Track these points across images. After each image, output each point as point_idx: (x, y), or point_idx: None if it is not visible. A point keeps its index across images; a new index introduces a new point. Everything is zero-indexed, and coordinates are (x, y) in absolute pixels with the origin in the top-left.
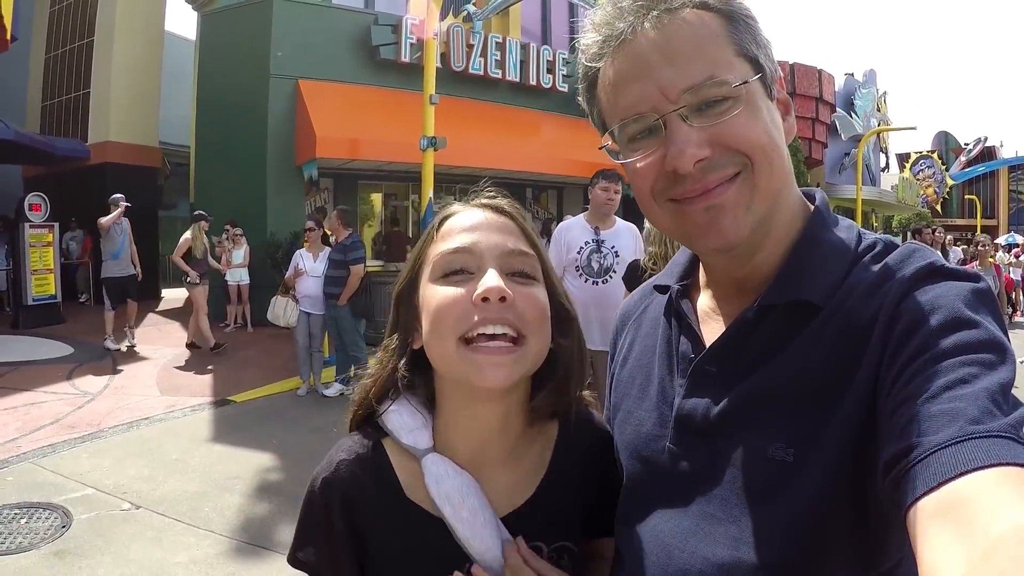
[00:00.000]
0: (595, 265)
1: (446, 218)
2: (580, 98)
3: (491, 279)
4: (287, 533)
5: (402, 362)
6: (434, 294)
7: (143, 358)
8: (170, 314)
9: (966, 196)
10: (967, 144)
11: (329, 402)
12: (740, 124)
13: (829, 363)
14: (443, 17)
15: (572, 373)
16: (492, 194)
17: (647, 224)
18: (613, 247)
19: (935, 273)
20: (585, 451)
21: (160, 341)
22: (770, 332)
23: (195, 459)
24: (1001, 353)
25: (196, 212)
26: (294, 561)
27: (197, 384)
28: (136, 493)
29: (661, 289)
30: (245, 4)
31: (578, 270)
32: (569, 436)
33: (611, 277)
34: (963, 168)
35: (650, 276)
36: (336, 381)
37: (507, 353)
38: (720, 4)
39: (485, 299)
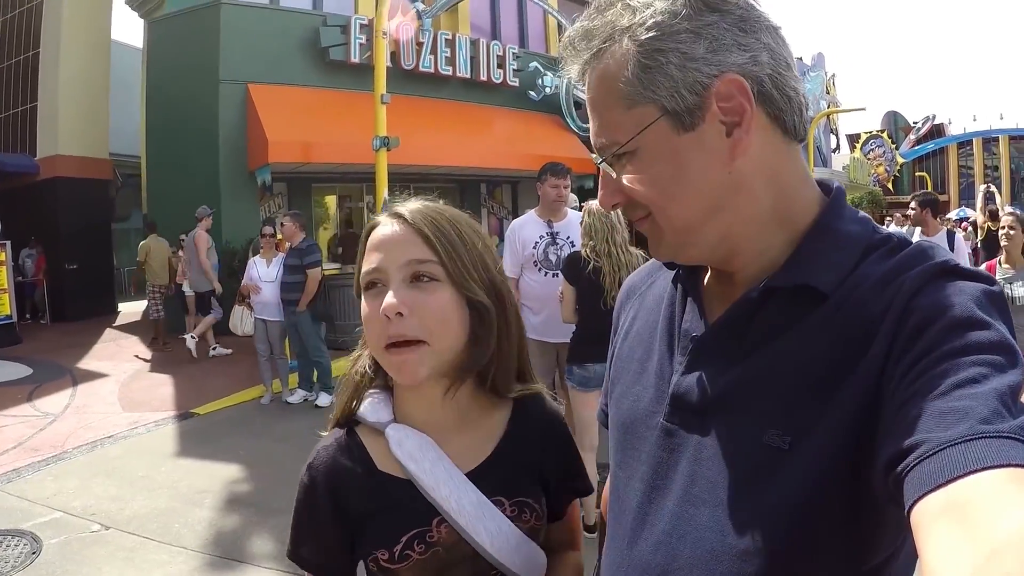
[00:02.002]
0: (552, 258)
1: (371, 231)
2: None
3: (388, 298)
4: (260, 544)
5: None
6: (363, 307)
7: (103, 375)
8: (127, 328)
9: (917, 173)
10: (916, 122)
11: (293, 409)
12: (631, 179)
13: (833, 353)
14: (392, 16)
15: (494, 357)
16: (404, 199)
17: (584, 219)
18: (568, 238)
19: (948, 272)
20: (540, 423)
21: (119, 356)
22: (773, 315)
23: (162, 475)
24: (1011, 356)
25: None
26: (293, 556)
27: (159, 398)
28: (105, 514)
29: (670, 265)
30: (192, 9)
31: (536, 264)
32: (525, 409)
33: None
34: (913, 146)
35: (593, 268)
36: (299, 387)
37: (412, 354)
38: (622, 34)
39: (386, 316)
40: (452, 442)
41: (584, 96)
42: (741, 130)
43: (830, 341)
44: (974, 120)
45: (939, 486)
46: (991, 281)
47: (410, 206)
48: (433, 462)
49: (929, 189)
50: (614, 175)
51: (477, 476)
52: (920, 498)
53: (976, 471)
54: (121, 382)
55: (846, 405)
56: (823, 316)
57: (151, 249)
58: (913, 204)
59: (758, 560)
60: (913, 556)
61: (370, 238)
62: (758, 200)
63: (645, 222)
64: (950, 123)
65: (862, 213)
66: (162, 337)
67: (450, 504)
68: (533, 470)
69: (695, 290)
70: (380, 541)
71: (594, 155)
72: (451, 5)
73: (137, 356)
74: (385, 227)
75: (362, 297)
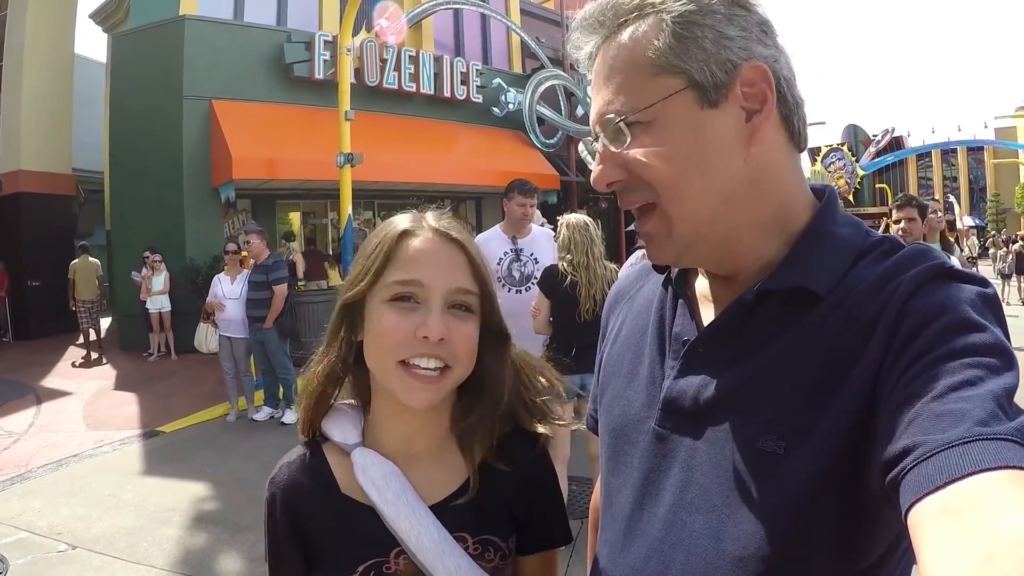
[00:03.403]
0: (516, 274)
1: (401, 237)
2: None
3: (435, 323)
4: (228, 562)
5: (344, 355)
6: (382, 316)
7: (67, 393)
8: (91, 347)
9: (877, 185)
10: (875, 135)
11: (259, 426)
12: (641, 153)
13: (827, 356)
14: (356, 33)
15: (500, 393)
16: (444, 213)
17: (562, 233)
18: (532, 254)
19: (943, 275)
20: (520, 463)
21: (83, 375)
22: (767, 318)
23: (128, 494)
24: (1006, 358)
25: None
26: (271, 572)
27: (124, 417)
28: (71, 533)
29: (660, 268)
30: (156, 24)
31: (500, 281)
32: (508, 445)
33: (532, 284)
34: (873, 159)
35: (571, 281)
36: (265, 405)
37: (434, 383)
38: (655, 8)
39: (425, 337)
40: (420, 471)
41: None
42: (761, 116)
43: (825, 344)
44: (932, 132)
45: (937, 488)
46: (985, 283)
47: (455, 228)
48: (396, 493)
49: (889, 201)
50: (614, 149)
51: (441, 510)
52: (917, 500)
53: (973, 473)
54: (86, 400)
55: (842, 408)
56: (818, 319)
57: (78, 268)
58: (909, 214)
59: (753, 566)
60: (909, 555)
61: (407, 248)
62: (765, 197)
63: (650, 216)
64: (909, 135)
65: (855, 217)
66: (91, 349)
67: (410, 538)
68: (502, 508)
69: (686, 293)
70: (337, 567)
71: (586, 139)
72: (415, 21)
73: (82, 363)
74: (430, 242)
75: (374, 300)
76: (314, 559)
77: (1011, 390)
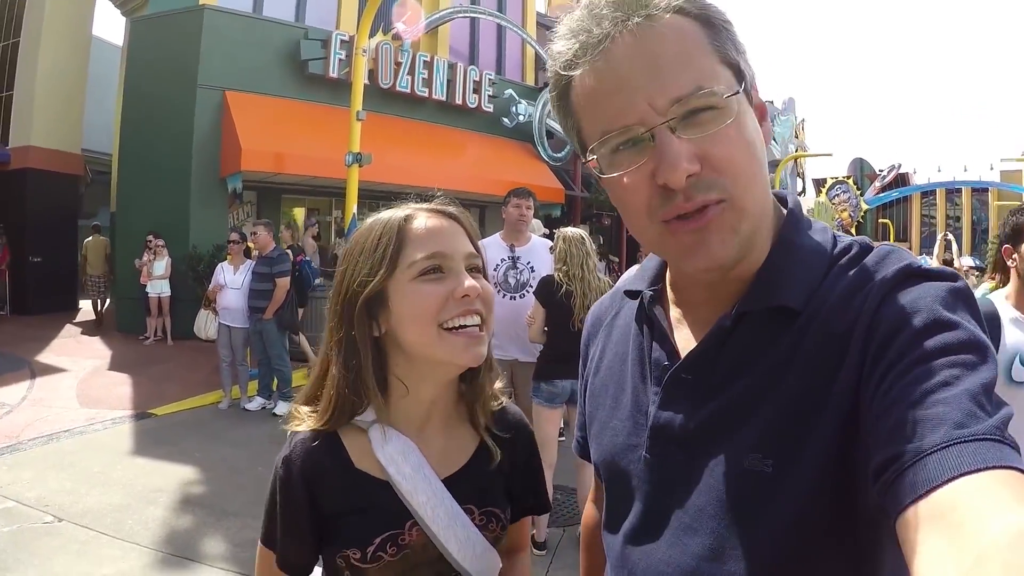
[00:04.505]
0: (511, 281)
1: (405, 222)
2: (552, 106)
3: (469, 281)
4: (213, 545)
5: (373, 356)
6: (417, 291)
7: (62, 370)
8: (88, 326)
9: (880, 220)
10: (882, 170)
11: (251, 416)
12: (728, 139)
13: (808, 371)
14: (372, 34)
15: (492, 358)
16: (444, 201)
17: (559, 245)
18: (528, 263)
19: (912, 275)
20: (514, 435)
21: (79, 353)
22: (747, 339)
23: (117, 472)
24: (981, 353)
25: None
26: (267, 541)
27: (117, 397)
28: (58, 506)
29: (632, 294)
30: (175, 12)
31: (496, 287)
32: (503, 419)
33: (527, 292)
34: (877, 193)
35: (566, 291)
36: (258, 395)
37: (480, 337)
38: (697, 10)
39: (466, 295)
40: (432, 447)
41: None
42: (766, 123)
43: (804, 361)
44: (938, 171)
45: (920, 497)
46: (955, 278)
47: (447, 204)
48: (415, 468)
49: (892, 237)
50: (687, 137)
51: (452, 483)
52: (903, 509)
53: (955, 478)
54: (80, 378)
55: (827, 424)
56: (796, 335)
57: (90, 246)
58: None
59: None
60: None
61: (416, 229)
62: (770, 201)
63: (717, 207)
64: (915, 172)
65: (820, 223)
66: (99, 317)
67: (425, 511)
68: (503, 481)
69: (661, 317)
70: (353, 540)
71: (644, 121)
72: (433, 27)
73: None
74: (434, 219)
75: (399, 282)
76: (329, 533)
77: (988, 385)
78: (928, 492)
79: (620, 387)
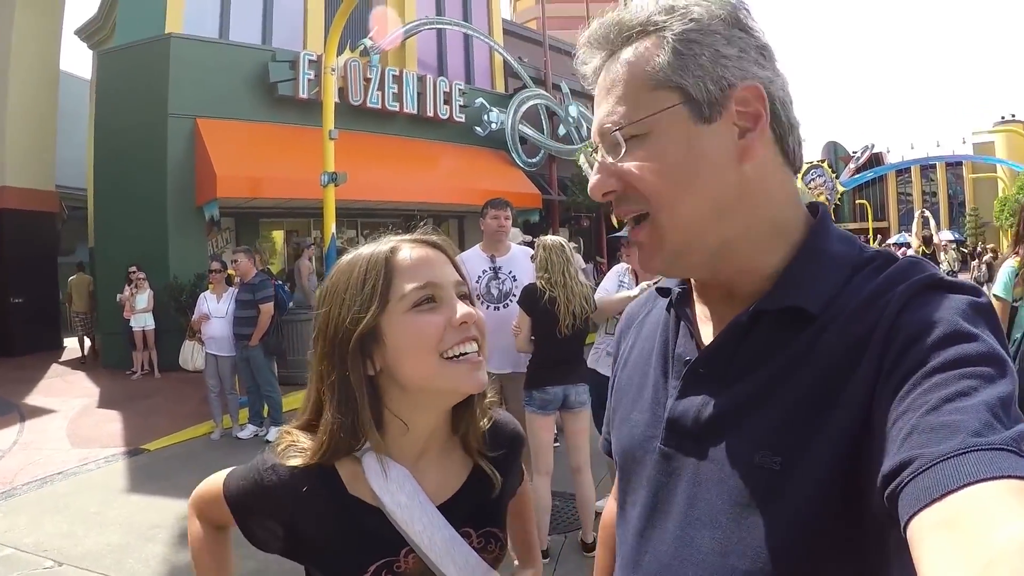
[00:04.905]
0: (494, 291)
1: (391, 256)
2: None
3: (464, 307)
4: None
5: (371, 396)
6: (413, 322)
7: (51, 411)
8: (73, 364)
9: (857, 201)
10: (855, 152)
11: (244, 444)
12: (635, 164)
13: (822, 371)
14: (340, 52)
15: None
16: (426, 231)
17: (539, 254)
18: (510, 272)
19: (935, 286)
20: (501, 451)
21: (67, 392)
22: (763, 338)
23: (114, 511)
24: (1000, 367)
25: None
26: (231, 497)
27: (108, 434)
28: (58, 550)
29: (663, 292)
30: (142, 42)
31: (479, 298)
32: (495, 435)
33: (510, 302)
34: (852, 175)
35: (550, 298)
36: (249, 423)
37: (480, 363)
38: (658, 26)
39: (464, 323)
40: (427, 475)
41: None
42: (754, 134)
43: (819, 362)
44: (912, 148)
45: (934, 501)
46: (977, 292)
47: (428, 234)
48: (410, 496)
49: (869, 217)
50: (610, 160)
51: (448, 508)
52: (915, 514)
53: (970, 484)
54: (69, 418)
55: (838, 424)
56: (812, 337)
57: (74, 284)
58: None
59: None
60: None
61: (403, 262)
62: (758, 212)
63: (642, 228)
64: (888, 152)
65: (849, 233)
66: (84, 352)
67: (422, 539)
68: (498, 498)
69: (687, 314)
70: (346, 569)
71: (586, 143)
72: (399, 42)
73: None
74: (420, 249)
75: (393, 315)
76: (320, 563)
77: (1006, 399)
78: (943, 496)
79: (643, 381)
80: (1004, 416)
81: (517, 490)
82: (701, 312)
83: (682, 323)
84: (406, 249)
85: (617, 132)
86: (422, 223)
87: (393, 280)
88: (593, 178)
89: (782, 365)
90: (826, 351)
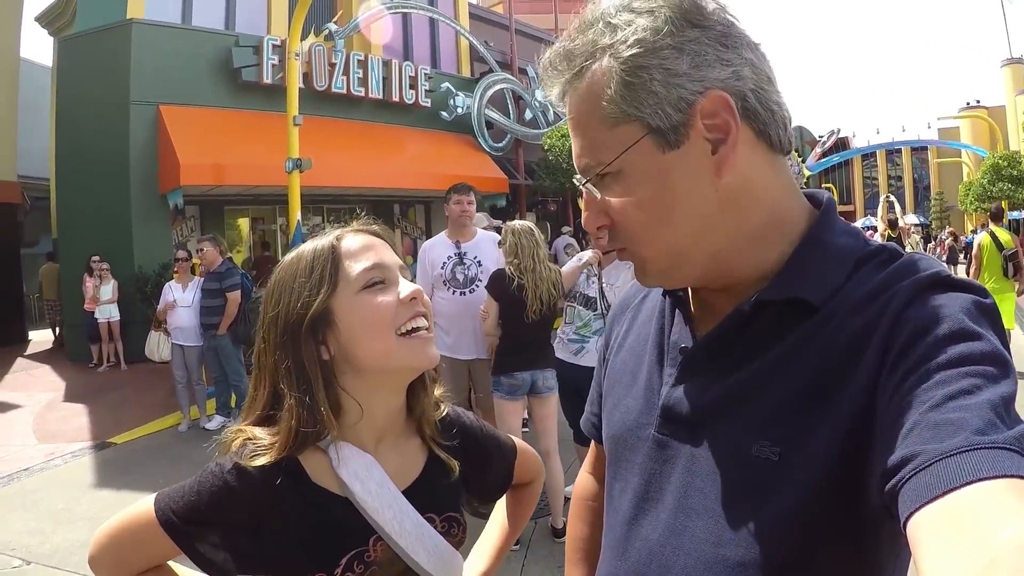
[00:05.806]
0: (460, 277)
1: (336, 243)
2: None
3: (410, 284)
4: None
5: (320, 381)
6: (366, 300)
7: (16, 406)
8: (39, 357)
9: (823, 185)
10: (821, 136)
11: (212, 435)
12: (619, 203)
13: (823, 365)
14: (304, 37)
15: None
16: (367, 220)
17: (508, 239)
18: (475, 257)
19: (939, 284)
20: (458, 443)
21: (32, 387)
22: (764, 328)
23: (82, 507)
24: (1003, 367)
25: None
26: (164, 516)
27: (75, 428)
28: (25, 548)
29: None
30: (103, 28)
31: (445, 284)
32: (448, 423)
33: (477, 286)
34: (819, 159)
35: (518, 284)
36: (217, 413)
37: (430, 337)
38: (604, 49)
39: (413, 299)
40: (387, 462)
41: (567, 115)
42: (727, 147)
43: (821, 353)
44: (877, 133)
45: (935, 498)
46: (983, 292)
47: (367, 222)
48: (379, 484)
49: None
50: (598, 196)
51: (409, 495)
52: (916, 510)
53: (972, 482)
54: (35, 413)
55: (838, 417)
56: (814, 329)
57: (44, 273)
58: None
59: (752, 571)
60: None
61: (348, 248)
62: (747, 216)
63: (624, 253)
64: (854, 136)
65: (853, 225)
66: (56, 338)
67: (392, 526)
68: (457, 483)
69: (683, 302)
70: (318, 563)
71: (576, 177)
72: (374, 22)
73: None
74: (362, 236)
75: (343, 298)
76: (288, 562)
77: (1008, 399)
78: (945, 493)
79: (638, 367)
80: (1006, 416)
81: (519, 491)
82: (700, 299)
83: (678, 310)
84: (350, 237)
85: (591, 178)
86: (362, 213)
87: (341, 264)
88: (585, 214)
89: (783, 356)
90: (828, 343)
